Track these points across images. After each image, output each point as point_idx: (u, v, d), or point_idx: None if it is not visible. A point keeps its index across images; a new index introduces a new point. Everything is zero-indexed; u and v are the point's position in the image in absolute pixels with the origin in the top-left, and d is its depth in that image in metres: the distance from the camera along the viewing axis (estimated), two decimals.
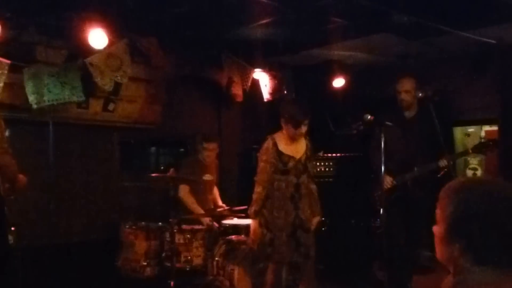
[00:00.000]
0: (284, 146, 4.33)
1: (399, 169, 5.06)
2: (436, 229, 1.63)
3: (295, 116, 4.29)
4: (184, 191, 5.53)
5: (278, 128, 4.52)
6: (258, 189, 4.32)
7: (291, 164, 4.32)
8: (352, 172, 6.26)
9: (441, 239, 1.61)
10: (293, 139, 4.37)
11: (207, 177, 5.83)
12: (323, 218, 5.95)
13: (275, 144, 4.33)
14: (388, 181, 5.02)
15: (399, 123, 4.95)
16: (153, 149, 7.11)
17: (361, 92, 6.94)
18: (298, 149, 4.40)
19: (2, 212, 3.67)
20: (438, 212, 1.63)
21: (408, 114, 5.16)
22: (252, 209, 4.34)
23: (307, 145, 4.48)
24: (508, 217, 1.53)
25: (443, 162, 4.87)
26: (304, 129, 4.31)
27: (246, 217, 5.30)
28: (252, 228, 4.38)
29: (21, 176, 3.84)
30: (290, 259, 4.40)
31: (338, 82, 6.80)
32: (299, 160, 4.37)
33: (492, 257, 1.53)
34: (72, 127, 5.65)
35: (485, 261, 1.53)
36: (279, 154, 4.30)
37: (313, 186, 4.56)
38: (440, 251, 1.62)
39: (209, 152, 5.76)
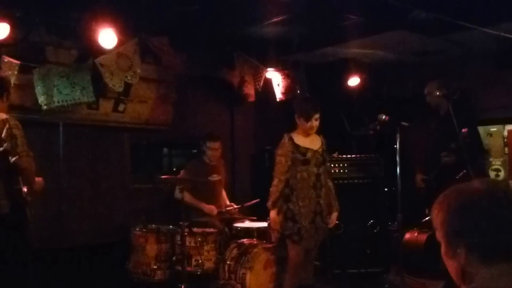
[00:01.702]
0: (300, 140, 4.64)
1: (427, 168, 5.27)
2: (438, 236, 1.62)
3: (305, 109, 4.65)
4: (184, 195, 5.45)
5: (292, 129, 4.77)
6: (274, 181, 4.60)
7: (309, 154, 4.61)
8: (369, 174, 6.20)
9: (445, 250, 1.60)
10: (307, 133, 4.67)
11: (214, 177, 5.83)
12: (337, 222, 6.04)
13: (291, 139, 4.62)
14: (418, 180, 5.34)
15: (429, 122, 5.20)
16: (164, 150, 7.14)
17: (378, 91, 6.94)
18: (314, 142, 4.71)
19: (24, 214, 3.77)
20: (434, 221, 1.62)
21: (437, 114, 5.27)
22: (270, 202, 4.60)
23: (322, 141, 4.78)
24: (504, 206, 1.52)
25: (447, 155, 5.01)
26: (315, 123, 4.63)
27: (258, 220, 5.39)
28: (271, 217, 4.62)
29: (38, 179, 3.94)
30: (315, 245, 4.74)
31: (354, 81, 6.77)
32: (317, 151, 4.67)
33: (498, 251, 1.50)
34: (82, 128, 5.68)
35: (492, 258, 1.50)
36: (296, 147, 4.59)
37: (331, 183, 4.84)
38: (448, 264, 1.61)
39: (213, 151, 5.76)
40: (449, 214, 1.56)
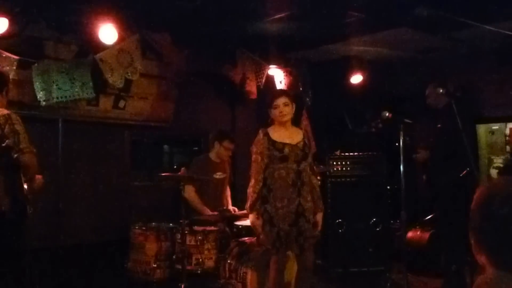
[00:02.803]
0: (276, 135, 4.30)
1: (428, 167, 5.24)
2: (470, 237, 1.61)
3: (270, 97, 4.40)
4: (189, 192, 5.48)
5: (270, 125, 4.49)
6: (251, 183, 4.28)
7: (287, 149, 4.25)
8: (372, 172, 6.18)
9: (473, 246, 1.59)
10: (282, 125, 4.33)
11: (219, 175, 5.79)
12: (339, 220, 6.02)
13: (266, 134, 4.29)
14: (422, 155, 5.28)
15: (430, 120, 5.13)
16: (165, 147, 7.11)
17: (381, 88, 6.91)
18: (292, 136, 4.35)
19: (25, 211, 3.72)
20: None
21: (436, 112, 5.25)
22: (248, 204, 4.28)
23: (303, 134, 4.44)
24: None
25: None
26: (285, 108, 4.28)
27: None
28: (251, 222, 4.31)
29: (38, 177, 3.90)
30: (299, 250, 4.33)
31: (356, 78, 6.76)
32: (296, 145, 4.30)
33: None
34: (82, 125, 5.65)
35: (506, 267, 1.49)
36: (272, 143, 4.25)
37: (315, 181, 4.49)
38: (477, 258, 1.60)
39: (228, 152, 5.75)
40: (473, 215, 1.54)
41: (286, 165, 4.24)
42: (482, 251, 1.53)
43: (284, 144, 4.26)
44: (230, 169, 6.05)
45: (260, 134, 4.31)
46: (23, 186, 3.70)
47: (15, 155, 3.53)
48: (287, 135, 4.33)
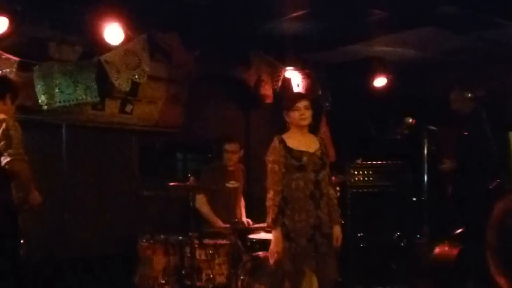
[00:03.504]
0: (293, 142, 4.23)
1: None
2: None
3: (289, 99, 4.36)
4: (200, 202, 5.45)
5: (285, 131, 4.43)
6: (269, 194, 4.15)
7: (305, 158, 4.19)
8: (395, 182, 6.20)
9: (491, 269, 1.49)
10: (300, 131, 4.27)
11: (232, 184, 5.72)
12: (360, 234, 5.96)
13: (282, 141, 4.21)
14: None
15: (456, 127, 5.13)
16: (175, 154, 7.09)
17: (406, 92, 6.83)
18: (310, 143, 4.29)
19: (15, 222, 3.70)
20: None
21: (462, 118, 5.22)
22: (269, 219, 4.14)
23: (320, 142, 4.39)
24: None
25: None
26: (306, 112, 4.23)
27: None
28: (274, 238, 4.16)
29: (35, 193, 3.95)
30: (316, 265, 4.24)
31: (380, 81, 6.73)
32: (314, 154, 4.24)
33: None
34: (87, 130, 5.63)
35: None
36: (289, 150, 4.18)
37: (332, 192, 4.43)
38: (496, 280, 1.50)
39: (230, 154, 5.67)
40: (489, 234, 1.46)
41: (304, 175, 4.16)
42: (501, 272, 1.44)
43: (302, 152, 4.18)
44: (244, 178, 5.97)
45: (276, 142, 4.21)
46: (12, 196, 3.67)
47: (4, 161, 3.54)
48: (304, 142, 4.25)
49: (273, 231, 4.17)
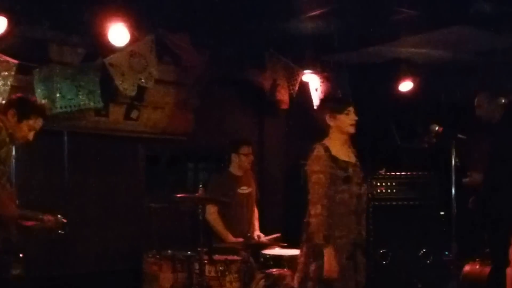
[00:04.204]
0: (337, 151, 4.11)
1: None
2: None
3: (338, 102, 4.35)
4: (211, 213, 5.45)
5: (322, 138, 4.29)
6: (317, 210, 3.97)
7: (351, 169, 4.10)
8: (422, 195, 6.16)
9: None
10: (343, 134, 4.17)
11: (243, 189, 5.68)
12: (383, 250, 5.88)
13: (327, 149, 4.08)
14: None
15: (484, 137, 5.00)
16: (184, 164, 7.09)
17: (434, 97, 6.78)
18: (349, 153, 4.22)
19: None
20: None
21: (490, 126, 5.04)
22: (321, 236, 3.97)
23: (354, 152, 4.30)
24: None
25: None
26: (354, 117, 4.18)
27: (289, 246, 5.24)
28: (327, 258, 3.96)
29: (47, 217, 4.15)
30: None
31: (406, 86, 6.68)
32: (356, 164, 4.18)
33: None
34: (90, 138, 5.62)
35: None
36: (334, 160, 4.06)
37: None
38: None
39: (246, 157, 5.63)
40: None
41: (349, 188, 4.07)
42: None
43: (347, 163, 4.09)
44: (255, 184, 5.91)
45: (320, 150, 4.07)
46: None
47: None
48: (345, 151, 4.16)
49: (325, 250, 4.00)
